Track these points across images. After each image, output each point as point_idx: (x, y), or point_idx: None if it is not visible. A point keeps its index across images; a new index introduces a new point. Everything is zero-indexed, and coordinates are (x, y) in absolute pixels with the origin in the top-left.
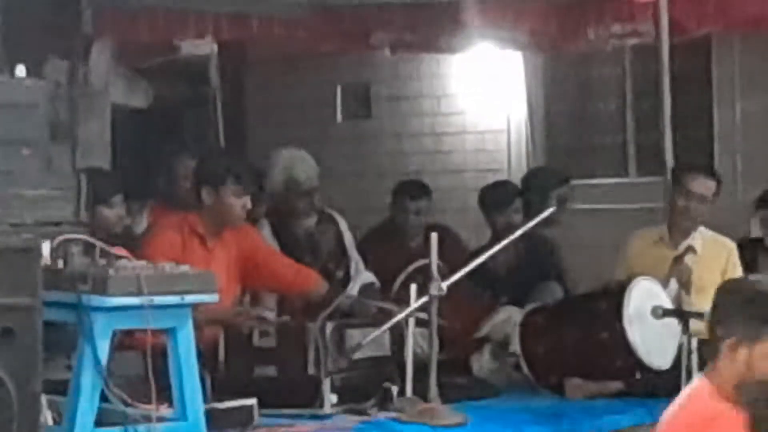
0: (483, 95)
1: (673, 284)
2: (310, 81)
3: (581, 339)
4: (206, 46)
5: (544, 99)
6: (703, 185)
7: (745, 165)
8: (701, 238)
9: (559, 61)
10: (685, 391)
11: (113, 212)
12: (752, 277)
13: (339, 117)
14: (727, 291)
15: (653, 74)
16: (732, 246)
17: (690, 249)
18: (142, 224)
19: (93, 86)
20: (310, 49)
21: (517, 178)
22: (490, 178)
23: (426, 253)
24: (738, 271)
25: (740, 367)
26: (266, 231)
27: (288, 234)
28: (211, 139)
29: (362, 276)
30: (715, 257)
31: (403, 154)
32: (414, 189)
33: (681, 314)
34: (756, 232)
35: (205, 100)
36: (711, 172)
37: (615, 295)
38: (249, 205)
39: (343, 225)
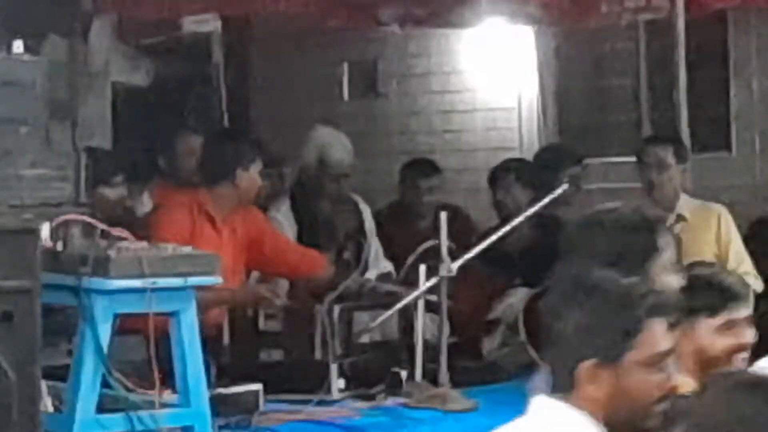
0: (493, 72)
1: None
2: (317, 58)
3: None
4: (210, 23)
5: (556, 75)
6: (655, 153)
7: (762, 142)
8: (687, 206)
9: (572, 36)
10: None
11: (114, 193)
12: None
13: (346, 95)
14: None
15: (668, 50)
16: (721, 210)
17: (679, 218)
18: (144, 205)
19: (93, 64)
20: (316, 25)
21: (528, 157)
22: (501, 157)
23: (436, 234)
24: (733, 235)
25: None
26: (285, 208)
27: (307, 214)
28: (214, 118)
29: (381, 264)
30: (704, 223)
31: (411, 133)
32: (424, 167)
33: None
34: None
35: (208, 78)
36: (665, 139)
37: None
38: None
39: (366, 212)
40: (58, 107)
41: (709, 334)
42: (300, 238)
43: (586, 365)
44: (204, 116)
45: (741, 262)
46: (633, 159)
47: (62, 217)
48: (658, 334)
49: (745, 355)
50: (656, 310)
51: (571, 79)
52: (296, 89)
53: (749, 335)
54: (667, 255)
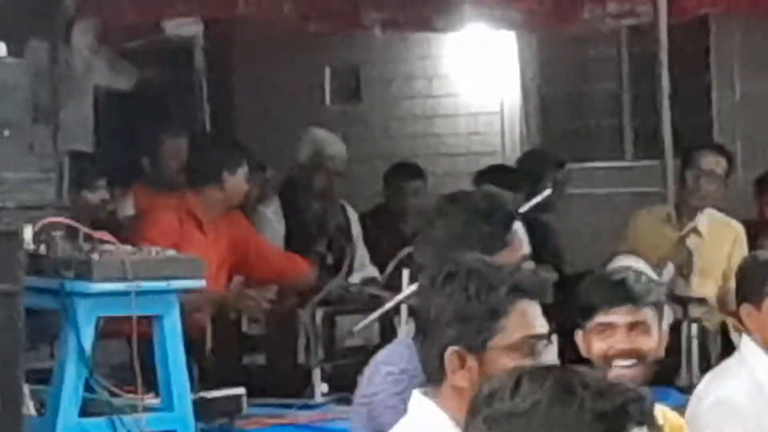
0: (476, 76)
1: (671, 266)
2: (299, 63)
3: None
4: (192, 27)
5: (538, 80)
6: (714, 162)
7: (744, 147)
8: (708, 220)
9: (554, 41)
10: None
11: (97, 196)
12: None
13: (328, 100)
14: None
15: (650, 55)
16: (740, 228)
17: (693, 231)
18: (126, 209)
19: (75, 68)
20: (298, 29)
21: (511, 162)
22: (484, 162)
23: None
24: (744, 254)
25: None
26: (274, 207)
27: (297, 212)
28: (197, 123)
29: (366, 270)
30: (721, 239)
31: (394, 138)
32: (408, 170)
33: (680, 300)
34: None
35: (190, 82)
36: (722, 150)
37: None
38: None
39: (354, 217)
40: (40, 110)
41: (582, 340)
42: (289, 237)
43: (452, 352)
44: (186, 120)
45: None
46: (615, 164)
47: (45, 220)
48: (527, 316)
49: (626, 362)
50: (523, 290)
51: (553, 84)
52: (278, 94)
53: (633, 341)
54: (524, 247)
